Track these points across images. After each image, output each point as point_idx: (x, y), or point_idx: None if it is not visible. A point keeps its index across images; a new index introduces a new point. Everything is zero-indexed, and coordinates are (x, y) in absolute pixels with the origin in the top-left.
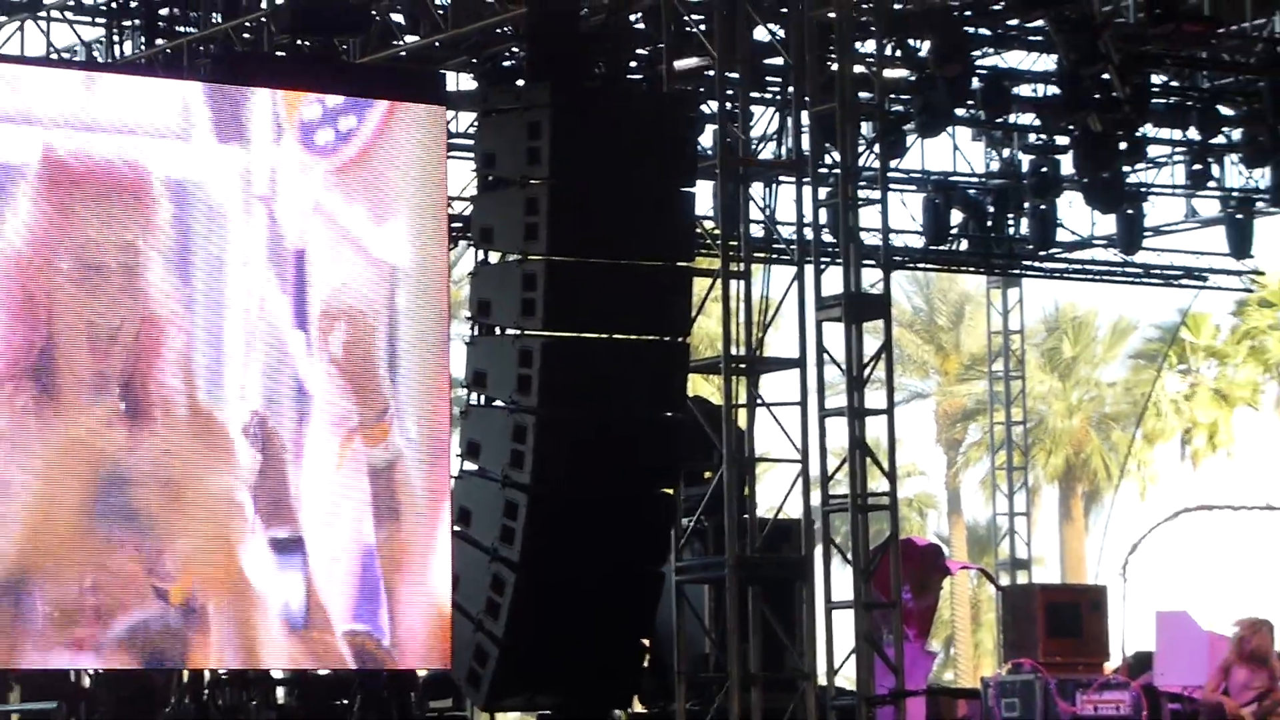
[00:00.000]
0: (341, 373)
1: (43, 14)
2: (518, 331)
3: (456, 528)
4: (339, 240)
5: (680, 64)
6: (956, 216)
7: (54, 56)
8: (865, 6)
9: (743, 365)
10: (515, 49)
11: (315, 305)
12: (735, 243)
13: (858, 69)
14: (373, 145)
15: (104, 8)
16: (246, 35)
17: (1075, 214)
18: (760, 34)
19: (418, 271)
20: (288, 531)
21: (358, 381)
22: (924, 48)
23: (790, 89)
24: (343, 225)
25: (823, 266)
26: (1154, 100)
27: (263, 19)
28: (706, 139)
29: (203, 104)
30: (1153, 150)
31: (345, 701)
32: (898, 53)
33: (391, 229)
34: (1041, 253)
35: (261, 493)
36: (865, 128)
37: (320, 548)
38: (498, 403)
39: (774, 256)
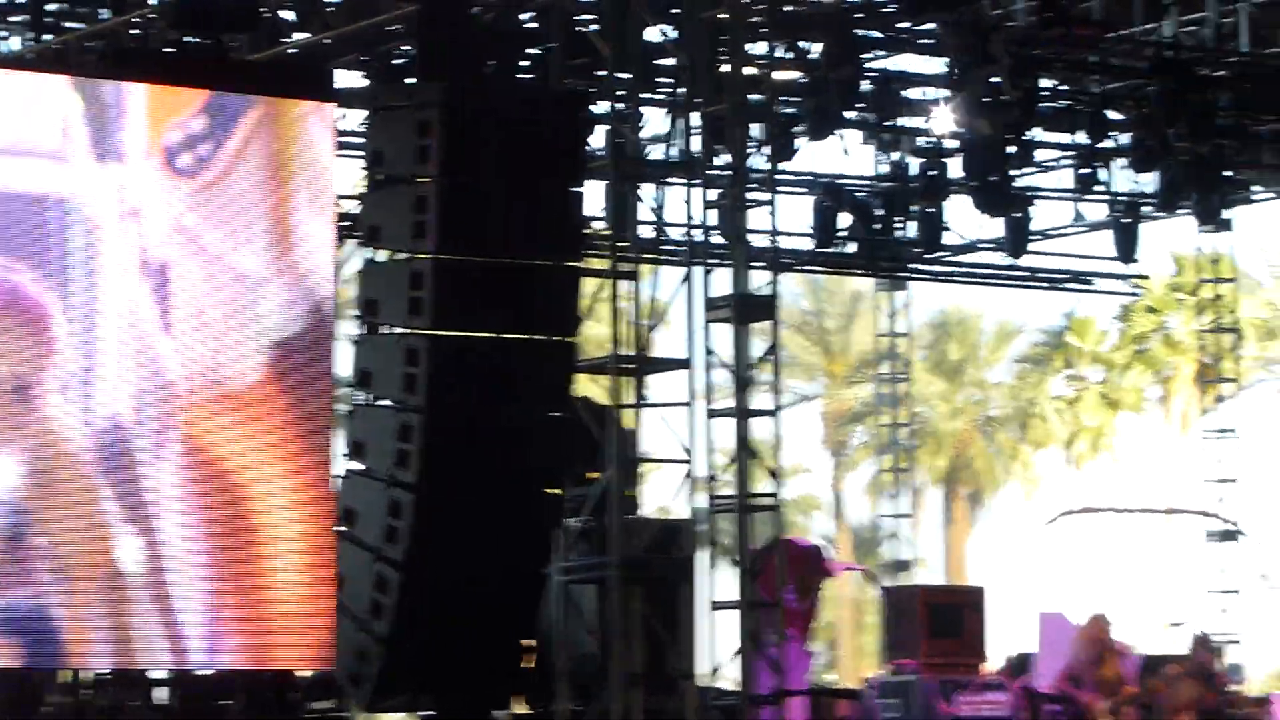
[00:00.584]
0: (207, 377)
1: None
2: (404, 330)
3: (341, 528)
4: (200, 257)
5: None
6: (845, 219)
7: None
8: (757, 8)
9: (630, 365)
10: (406, 46)
11: (181, 315)
12: (624, 243)
13: (748, 70)
14: (238, 162)
15: None
16: (134, 31)
17: (963, 217)
18: (652, 34)
19: (293, 275)
20: (163, 532)
21: (225, 385)
22: (815, 50)
23: (681, 90)
24: (203, 243)
25: (711, 268)
26: (1043, 104)
27: (150, 15)
28: (597, 139)
29: (82, 125)
30: (1041, 154)
31: (227, 702)
32: (788, 54)
33: (258, 241)
34: (929, 255)
35: (132, 493)
36: (755, 129)
37: (192, 548)
38: (384, 402)
39: (663, 257)
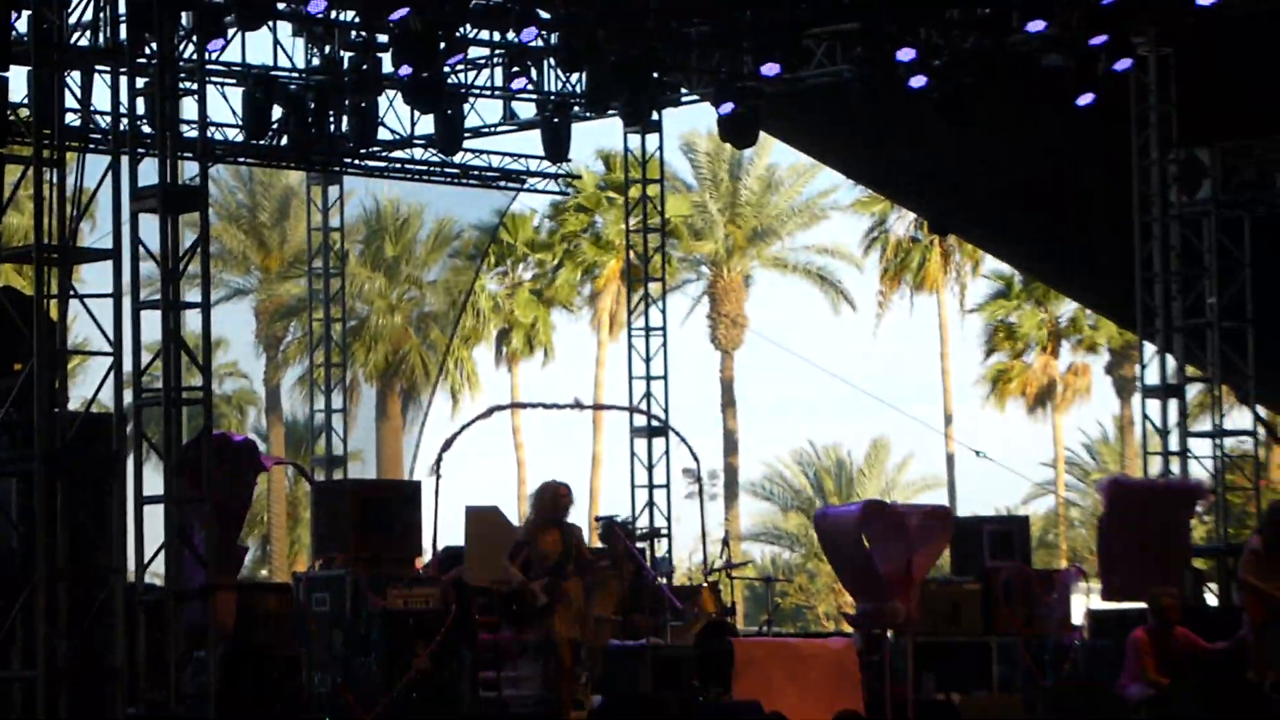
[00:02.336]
0: None
1: None
2: None
3: None
4: None
5: None
6: (278, 112)
7: None
8: None
9: (55, 255)
10: None
11: None
12: (49, 131)
13: None
14: None
15: None
16: None
17: (396, 113)
18: None
19: None
20: None
21: None
22: None
23: None
24: None
25: (139, 157)
26: (474, 0)
27: None
28: (22, 24)
29: None
30: (473, 51)
31: None
32: None
33: None
34: (362, 150)
35: None
36: (185, 18)
37: None
38: None
39: (89, 146)
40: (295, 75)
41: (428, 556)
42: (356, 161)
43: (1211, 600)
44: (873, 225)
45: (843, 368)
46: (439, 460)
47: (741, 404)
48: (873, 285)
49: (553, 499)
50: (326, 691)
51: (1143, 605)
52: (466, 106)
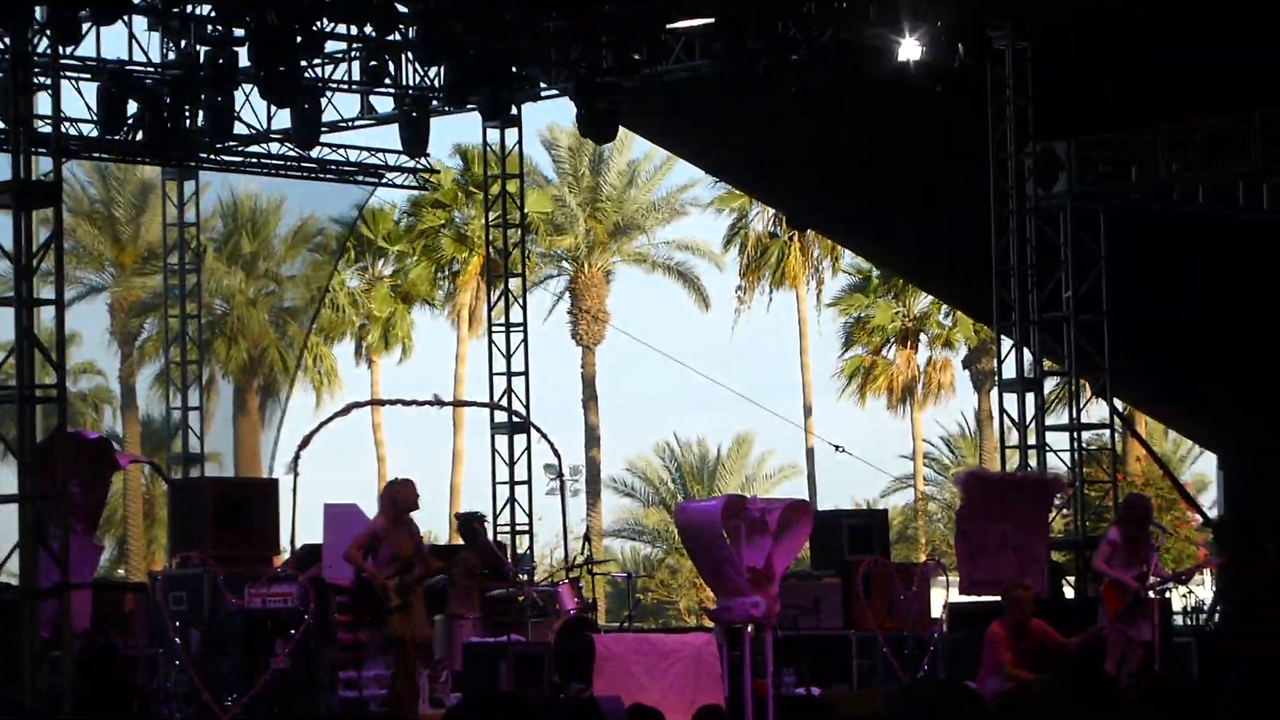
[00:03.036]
0: None
1: None
2: None
3: None
4: None
5: None
6: (133, 106)
7: None
8: None
9: None
10: None
11: None
12: None
13: None
14: None
15: None
16: None
17: (253, 107)
18: None
19: None
20: None
21: None
22: None
23: None
24: None
25: None
26: None
27: None
28: None
29: None
30: (330, 45)
31: None
32: None
33: None
34: (219, 145)
35: None
36: (39, 12)
37: None
38: None
39: None
40: (151, 70)
41: (286, 555)
42: (213, 156)
43: (1069, 593)
44: (733, 221)
45: (705, 363)
46: (297, 458)
47: (603, 400)
48: (734, 280)
49: (405, 498)
50: (184, 691)
51: None
52: (324, 101)
